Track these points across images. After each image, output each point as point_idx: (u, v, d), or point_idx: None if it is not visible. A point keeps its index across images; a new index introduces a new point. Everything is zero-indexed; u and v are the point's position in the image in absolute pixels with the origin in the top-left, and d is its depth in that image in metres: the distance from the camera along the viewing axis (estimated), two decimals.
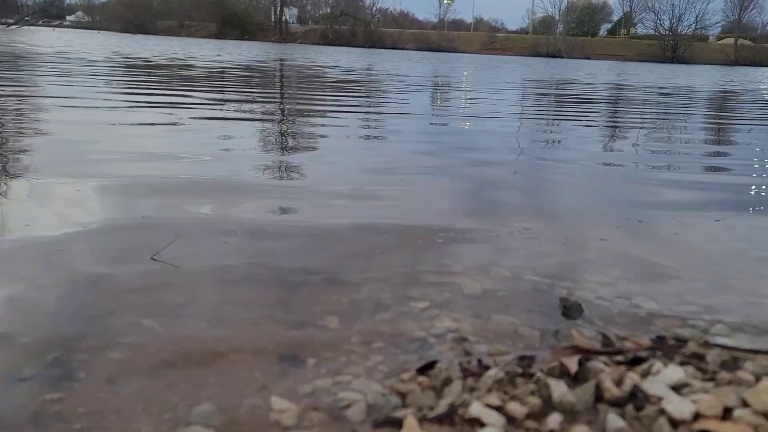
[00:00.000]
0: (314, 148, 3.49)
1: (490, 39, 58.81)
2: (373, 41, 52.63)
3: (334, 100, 6.32)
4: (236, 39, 48.48)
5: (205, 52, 19.31)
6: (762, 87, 14.75)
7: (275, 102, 5.69)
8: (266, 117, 4.73)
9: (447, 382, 1.01)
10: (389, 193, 2.49)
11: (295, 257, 1.66)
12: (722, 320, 1.36)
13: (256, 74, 10.16)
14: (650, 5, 56.89)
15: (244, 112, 4.46)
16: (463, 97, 7.96)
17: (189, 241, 1.72)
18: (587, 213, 2.36)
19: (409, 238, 1.88)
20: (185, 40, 37.62)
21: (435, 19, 66.25)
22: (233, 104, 5.42)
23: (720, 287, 1.57)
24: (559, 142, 4.36)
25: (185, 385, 0.99)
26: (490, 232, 1.97)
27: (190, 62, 12.51)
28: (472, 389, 0.99)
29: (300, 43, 50.58)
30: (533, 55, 49.92)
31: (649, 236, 2.01)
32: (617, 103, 8.65)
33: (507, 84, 11.37)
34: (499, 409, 0.91)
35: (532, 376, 1.03)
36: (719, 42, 56.11)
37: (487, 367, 1.07)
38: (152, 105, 5.04)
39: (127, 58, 12.92)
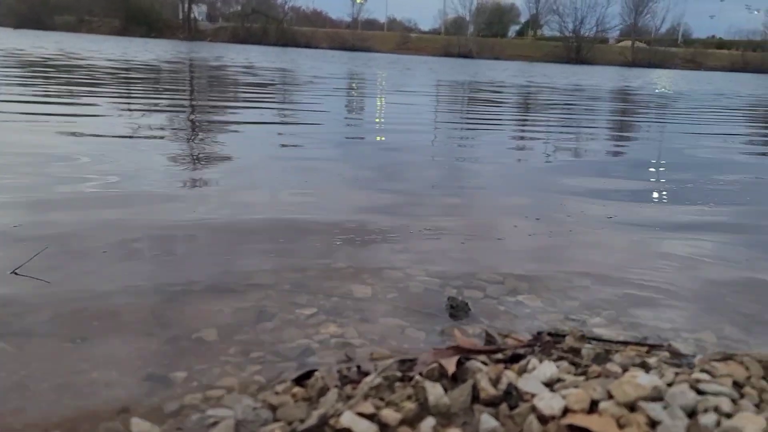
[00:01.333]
0: (224, 160, 3.37)
1: (403, 39, 59.46)
2: (286, 40, 51.93)
3: (245, 108, 6.16)
4: (142, 36, 46.52)
5: (107, 49, 18.40)
6: (656, 87, 15.69)
7: (182, 111, 5.47)
8: (172, 130, 4.54)
9: (323, 391, 0.98)
10: (294, 197, 2.44)
11: (180, 266, 1.58)
12: (601, 314, 1.40)
13: (164, 77, 9.77)
14: (555, 8, 59.40)
15: (150, 128, 4.25)
16: (379, 104, 7.97)
17: (62, 253, 1.61)
18: (494, 211, 2.40)
19: (303, 240, 1.84)
20: (86, 37, 35.70)
21: (348, 19, 66.30)
22: (137, 113, 5.17)
23: (602, 282, 1.63)
24: (472, 146, 4.44)
25: (34, 412, 0.91)
26: (389, 233, 1.96)
27: (90, 62, 11.87)
28: (348, 397, 0.96)
29: (210, 41, 49.15)
30: (446, 56, 50.89)
31: (544, 234, 2.07)
32: (528, 103, 8.94)
33: (428, 86, 11.51)
34: (372, 417, 0.89)
35: (411, 379, 1.02)
36: (618, 44, 59.28)
37: (366, 373, 1.05)
38: (49, 114, 4.72)
39: (20, 56, 12.10)
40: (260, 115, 5.23)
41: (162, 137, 3.61)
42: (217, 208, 2.15)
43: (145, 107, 5.09)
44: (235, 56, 20.09)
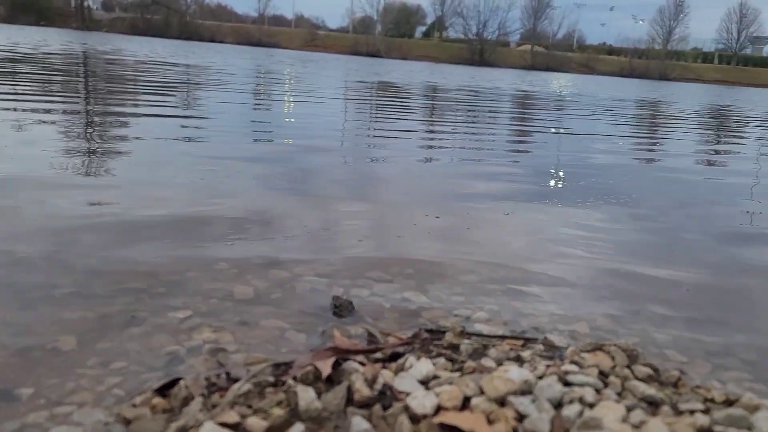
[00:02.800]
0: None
1: (311, 36, 59.00)
2: (190, 33, 50.09)
3: (140, 113, 5.86)
4: (30, 24, 43.38)
5: None
6: (554, 90, 16.43)
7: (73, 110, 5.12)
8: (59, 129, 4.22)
9: (187, 401, 0.92)
10: (184, 194, 2.32)
11: (43, 268, 1.45)
12: (484, 308, 1.42)
13: (54, 70, 9.13)
14: (459, 11, 60.94)
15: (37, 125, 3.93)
16: (287, 104, 7.84)
17: None
18: (387, 210, 2.38)
19: (188, 240, 1.75)
20: None
21: (255, 14, 64.91)
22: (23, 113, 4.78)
23: (489, 278, 1.65)
24: (376, 146, 4.44)
25: None
26: (279, 232, 1.90)
27: None
28: (214, 406, 0.91)
29: (106, 31, 46.55)
30: (354, 54, 50.98)
31: (437, 232, 2.08)
32: (435, 104, 9.09)
33: (340, 86, 11.44)
34: (236, 426, 0.84)
35: (284, 384, 0.98)
36: (519, 48, 61.72)
37: (236, 380, 0.99)
38: None
39: None
40: (160, 111, 4.98)
41: (52, 139, 3.35)
42: (98, 206, 2.01)
43: (34, 104, 4.72)
44: (137, 48, 19.16)
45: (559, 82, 23.21)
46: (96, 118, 4.18)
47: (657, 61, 54.82)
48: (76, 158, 2.80)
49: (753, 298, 1.66)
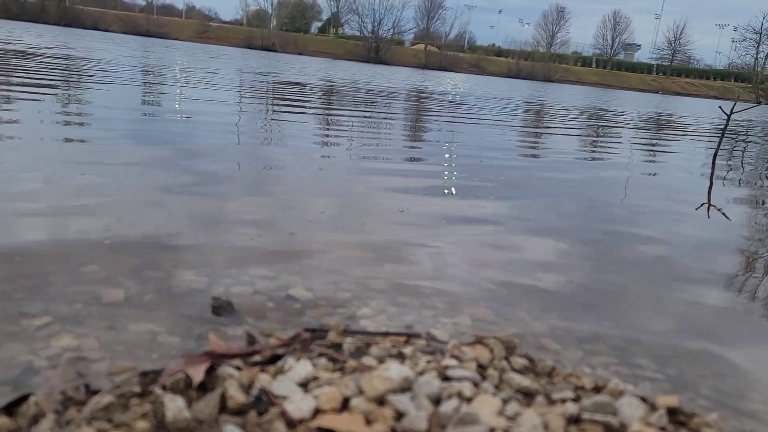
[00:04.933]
0: None
1: (203, 28, 57.03)
2: (69, 20, 46.82)
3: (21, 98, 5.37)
4: None
5: None
6: (446, 89, 16.86)
7: None
8: None
9: (37, 418, 0.83)
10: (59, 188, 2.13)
11: None
12: (369, 304, 1.40)
13: None
14: (354, 8, 61.23)
15: None
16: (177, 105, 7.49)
17: None
18: (272, 204, 2.32)
19: (49, 240, 1.60)
20: None
21: (142, 2, 61.78)
22: None
23: (375, 272, 1.63)
24: (280, 141, 4.32)
25: None
26: (161, 231, 1.79)
27: None
28: (68, 422, 0.82)
29: None
30: (248, 47, 49.81)
31: (330, 227, 2.04)
32: (331, 101, 9.02)
33: (236, 79, 11.07)
34: None
35: (151, 393, 0.91)
36: (413, 47, 62.96)
37: (96, 392, 0.91)
38: None
39: None
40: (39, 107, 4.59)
41: None
42: None
43: None
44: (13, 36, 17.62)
45: (453, 82, 23.88)
46: None
47: (542, 63, 57.85)
48: None
49: (623, 285, 1.76)
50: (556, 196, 3.02)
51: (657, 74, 64.67)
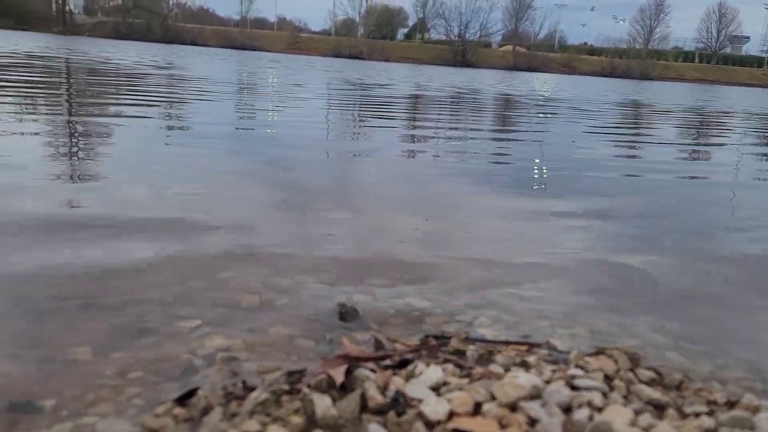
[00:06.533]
0: None
1: (294, 39, 58.89)
2: (172, 37, 49.77)
3: (130, 107, 5.81)
4: (8, 29, 42.80)
5: None
6: (536, 90, 16.56)
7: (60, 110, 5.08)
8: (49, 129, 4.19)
9: (206, 410, 0.94)
10: (180, 199, 2.33)
11: (51, 280, 1.46)
12: (485, 313, 1.45)
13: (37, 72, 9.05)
14: (441, 12, 61.20)
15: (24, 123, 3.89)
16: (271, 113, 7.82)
17: None
18: (383, 215, 2.41)
19: (188, 249, 1.76)
20: None
21: (237, 17, 64.66)
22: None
23: (487, 281, 1.68)
24: (365, 151, 4.46)
25: None
26: (278, 239, 1.93)
27: None
28: (233, 415, 0.93)
29: (88, 36, 46.15)
30: (337, 56, 50.98)
31: (433, 235, 2.11)
32: (418, 104, 9.12)
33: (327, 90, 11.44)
34: None
35: (299, 392, 1.00)
36: (501, 48, 62.15)
37: (252, 388, 1.02)
38: None
39: None
40: (145, 116, 4.97)
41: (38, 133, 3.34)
42: (81, 219, 2.02)
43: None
44: (121, 54, 19.01)
45: (546, 83, 23.39)
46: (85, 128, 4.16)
47: (638, 61, 55.45)
48: (59, 164, 2.79)
49: (746, 301, 1.71)
50: (663, 201, 2.94)
51: None
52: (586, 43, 70.47)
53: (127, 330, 1.23)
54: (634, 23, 61.87)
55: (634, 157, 4.90)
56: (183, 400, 0.98)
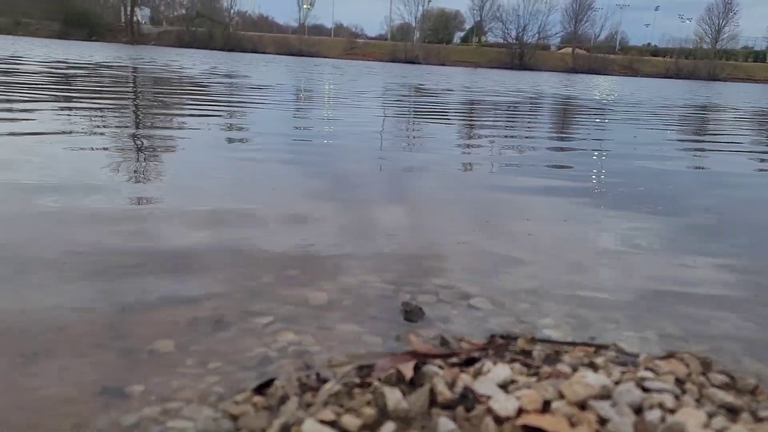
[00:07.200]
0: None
1: (351, 45, 59.59)
2: (233, 45, 51.26)
3: (195, 113, 6.03)
4: (83, 40, 45.05)
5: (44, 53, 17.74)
6: (596, 93, 16.20)
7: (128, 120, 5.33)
8: (116, 136, 4.41)
9: (283, 400, 0.99)
10: (242, 203, 2.42)
11: (130, 276, 1.55)
12: (549, 315, 1.45)
13: (106, 81, 9.49)
14: (498, 15, 60.69)
15: (93, 129, 4.11)
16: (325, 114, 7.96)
17: (4, 265, 1.56)
18: (443, 217, 2.43)
19: (257, 248, 1.83)
20: (25, 41, 34.35)
21: (295, 24, 65.94)
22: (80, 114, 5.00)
23: (551, 283, 1.68)
24: (423, 152, 4.49)
25: None
26: (340, 239, 1.97)
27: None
28: (308, 405, 0.97)
29: (154, 45, 48.08)
30: (393, 61, 51.26)
31: (494, 238, 2.12)
32: (477, 109, 9.09)
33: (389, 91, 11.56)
34: (333, 423, 0.91)
35: (369, 385, 1.04)
36: (559, 51, 61.11)
37: (325, 381, 1.06)
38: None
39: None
40: (209, 123, 5.15)
41: (106, 148, 3.52)
42: (164, 217, 2.12)
43: (88, 106, 4.94)
44: (185, 61, 19.69)
45: (605, 86, 22.86)
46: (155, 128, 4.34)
47: (705, 61, 53.47)
48: (128, 175, 2.93)
49: None
50: (727, 206, 2.85)
51: None
52: (649, 44, 68.46)
53: (204, 323, 1.29)
54: (701, 22, 59.71)
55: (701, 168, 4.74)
56: (260, 389, 1.03)
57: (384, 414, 0.95)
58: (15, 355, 1.11)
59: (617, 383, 0.99)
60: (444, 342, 1.27)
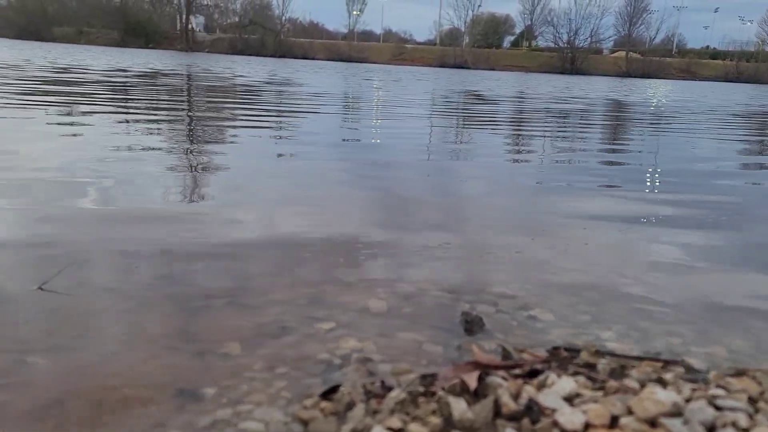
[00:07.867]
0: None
1: (399, 50, 59.80)
2: (284, 51, 52.18)
3: (248, 120, 6.17)
4: (140, 47, 46.67)
5: (104, 60, 18.44)
6: (651, 98, 15.80)
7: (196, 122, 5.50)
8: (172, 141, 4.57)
9: (350, 406, 1.01)
10: (298, 212, 2.47)
11: (196, 281, 1.61)
12: (612, 328, 1.43)
13: (161, 85, 9.80)
14: (549, 19, 59.92)
15: (149, 134, 4.26)
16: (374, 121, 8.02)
17: (86, 267, 1.63)
18: (499, 226, 2.43)
19: (316, 255, 1.86)
20: (89, 48, 35.83)
21: (345, 30, 66.68)
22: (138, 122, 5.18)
23: (611, 296, 1.66)
24: (472, 161, 4.48)
25: (73, 428, 0.94)
26: (396, 248, 1.99)
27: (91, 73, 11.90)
28: (375, 412, 0.99)
29: (207, 52, 49.40)
30: (441, 66, 51.18)
31: (551, 249, 2.10)
32: (524, 115, 9.00)
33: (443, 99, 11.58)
34: (400, 431, 0.92)
35: (434, 394, 1.05)
36: (612, 55, 59.79)
37: (390, 388, 1.07)
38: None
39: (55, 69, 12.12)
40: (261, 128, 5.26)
41: (160, 148, 3.64)
42: (221, 225, 2.18)
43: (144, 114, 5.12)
44: (240, 69, 20.16)
45: (659, 90, 22.24)
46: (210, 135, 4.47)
47: (767, 64, 51.44)
48: (185, 181, 3.02)
49: None
50: None
51: None
52: (708, 47, 66.29)
53: (269, 328, 1.33)
54: (763, 24, 57.47)
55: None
56: (326, 395, 1.05)
57: (449, 423, 0.96)
58: (95, 354, 1.17)
59: (688, 401, 0.98)
60: (506, 353, 1.27)
